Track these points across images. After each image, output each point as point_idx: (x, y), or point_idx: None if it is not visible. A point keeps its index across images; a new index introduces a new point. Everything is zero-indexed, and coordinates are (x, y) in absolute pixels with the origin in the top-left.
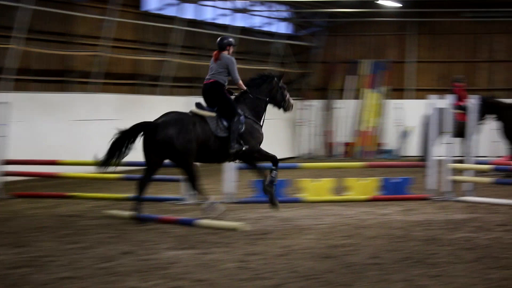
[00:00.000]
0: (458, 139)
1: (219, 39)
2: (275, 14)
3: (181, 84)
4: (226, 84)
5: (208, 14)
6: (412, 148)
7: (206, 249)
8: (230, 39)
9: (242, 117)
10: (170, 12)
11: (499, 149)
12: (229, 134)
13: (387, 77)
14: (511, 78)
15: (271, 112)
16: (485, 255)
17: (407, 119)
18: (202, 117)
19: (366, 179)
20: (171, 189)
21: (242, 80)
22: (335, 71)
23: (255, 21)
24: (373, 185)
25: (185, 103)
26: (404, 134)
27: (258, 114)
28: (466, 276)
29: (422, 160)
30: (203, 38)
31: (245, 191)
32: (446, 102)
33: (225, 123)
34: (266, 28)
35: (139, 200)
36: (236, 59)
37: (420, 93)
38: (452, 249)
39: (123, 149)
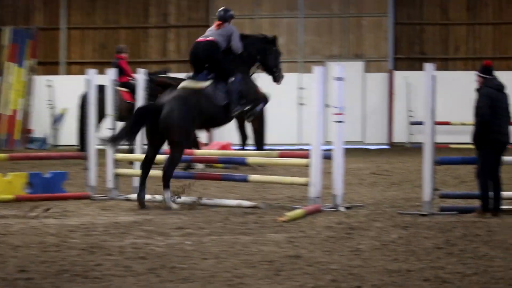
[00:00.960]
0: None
1: (221, 10)
2: None
3: None
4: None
5: None
6: (68, 136)
7: None
8: (232, 12)
9: (238, 77)
10: None
11: None
12: (229, 98)
13: (33, 48)
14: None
15: None
16: (160, 266)
17: (61, 99)
18: (200, 91)
19: (9, 175)
20: None
21: None
22: None
23: None
24: (18, 182)
25: None
26: (58, 118)
27: (247, 70)
28: None
29: (80, 150)
30: None
31: None
32: (107, 77)
33: (222, 89)
34: None
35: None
36: None
37: (76, 67)
38: (119, 259)
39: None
